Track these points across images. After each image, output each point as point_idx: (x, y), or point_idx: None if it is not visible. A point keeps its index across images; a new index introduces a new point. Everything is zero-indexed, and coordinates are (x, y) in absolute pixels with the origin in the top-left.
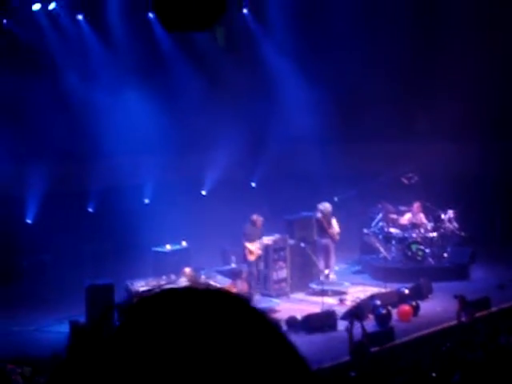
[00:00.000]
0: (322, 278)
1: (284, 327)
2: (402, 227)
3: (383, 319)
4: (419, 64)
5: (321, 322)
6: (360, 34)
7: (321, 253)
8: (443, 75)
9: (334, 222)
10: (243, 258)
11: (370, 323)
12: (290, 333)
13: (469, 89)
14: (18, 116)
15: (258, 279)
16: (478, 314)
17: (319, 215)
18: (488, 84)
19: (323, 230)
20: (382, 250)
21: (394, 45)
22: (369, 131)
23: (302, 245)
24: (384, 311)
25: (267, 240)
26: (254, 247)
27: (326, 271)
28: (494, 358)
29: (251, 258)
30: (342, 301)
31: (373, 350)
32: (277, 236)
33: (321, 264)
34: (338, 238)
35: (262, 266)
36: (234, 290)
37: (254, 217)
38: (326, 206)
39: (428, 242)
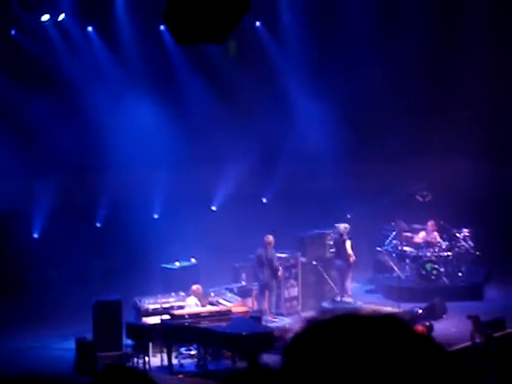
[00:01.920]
0: (337, 291)
1: None
2: (416, 246)
3: None
4: (436, 82)
5: None
6: (376, 50)
7: (336, 272)
8: (460, 94)
9: (348, 243)
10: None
11: None
12: None
13: (484, 108)
14: (25, 129)
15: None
16: (493, 335)
17: (337, 235)
18: (503, 104)
19: (339, 250)
20: (395, 268)
21: (410, 62)
22: (383, 148)
23: (314, 263)
24: None
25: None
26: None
27: (338, 298)
28: (510, 382)
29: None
30: None
31: None
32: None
33: (334, 283)
34: (352, 260)
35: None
36: (244, 308)
37: (267, 238)
38: (341, 227)
39: (443, 261)
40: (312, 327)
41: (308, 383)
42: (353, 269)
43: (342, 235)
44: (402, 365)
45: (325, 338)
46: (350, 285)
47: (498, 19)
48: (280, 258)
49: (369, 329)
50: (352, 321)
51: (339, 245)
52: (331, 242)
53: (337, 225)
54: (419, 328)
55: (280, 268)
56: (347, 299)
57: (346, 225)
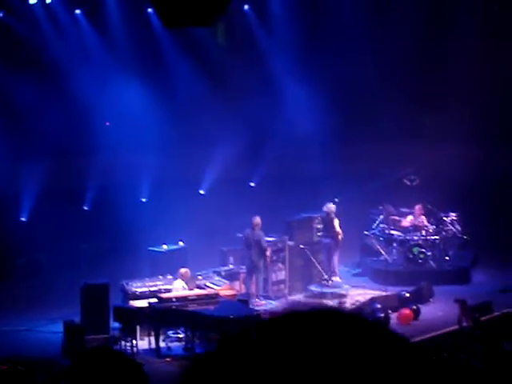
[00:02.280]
0: (325, 276)
1: None
2: (404, 229)
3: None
4: (426, 68)
5: None
6: (366, 36)
7: (323, 252)
8: (451, 79)
9: (336, 222)
10: (265, 262)
11: None
12: None
13: (474, 94)
14: (12, 112)
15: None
16: (480, 319)
17: (324, 214)
18: (494, 90)
19: (327, 228)
20: (382, 252)
21: (401, 47)
22: (372, 133)
23: (302, 246)
24: (382, 314)
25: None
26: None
27: (325, 276)
28: (495, 366)
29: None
30: (341, 304)
31: None
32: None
33: (321, 265)
34: (341, 237)
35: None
36: (232, 291)
37: (255, 220)
38: (329, 206)
39: (430, 244)
40: (286, 316)
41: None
42: (340, 248)
43: (329, 214)
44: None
45: (293, 329)
46: (336, 264)
47: (488, 5)
48: (268, 241)
49: (332, 325)
50: (320, 316)
51: (327, 223)
52: (319, 226)
53: (324, 205)
54: (406, 311)
55: (268, 248)
56: (335, 279)
57: (332, 204)
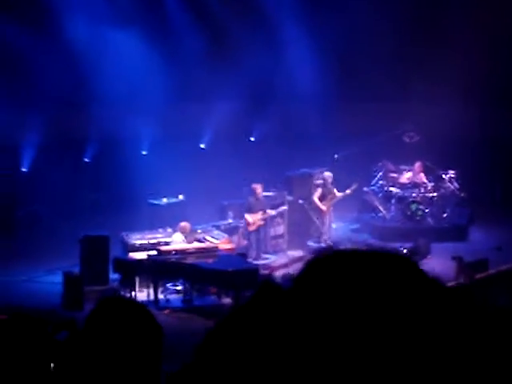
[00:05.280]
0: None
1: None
2: (402, 186)
3: None
4: (422, 26)
5: None
6: None
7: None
8: (445, 37)
9: (335, 190)
10: (245, 229)
11: None
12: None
13: (471, 53)
14: (15, 63)
15: (257, 248)
16: (476, 276)
17: (319, 181)
18: (490, 49)
19: (322, 198)
20: (381, 208)
21: (397, 4)
22: (370, 90)
23: (301, 201)
24: None
25: (269, 211)
26: (253, 219)
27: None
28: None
29: (251, 228)
30: None
31: None
32: (282, 208)
33: (320, 221)
34: (322, 209)
35: (261, 235)
36: (231, 245)
37: (253, 186)
38: (326, 175)
39: (428, 201)
40: (325, 258)
41: (313, 312)
42: (338, 207)
43: (326, 184)
44: (407, 302)
45: (337, 271)
46: (326, 229)
47: None
48: (267, 196)
49: (380, 265)
50: (365, 256)
51: (321, 192)
52: (318, 182)
53: (322, 173)
54: None
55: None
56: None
57: (330, 174)
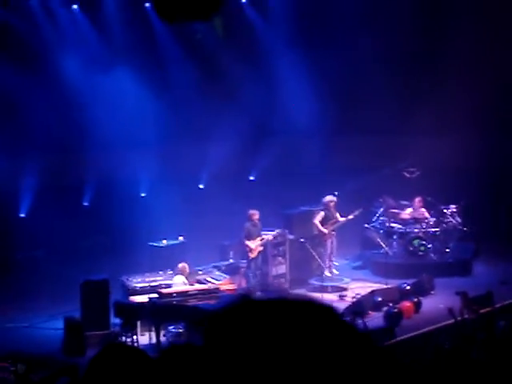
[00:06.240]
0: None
1: None
2: (404, 222)
3: (393, 318)
4: (422, 58)
5: None
6: (363, 26)
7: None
8: (447, 70)
9: (338, 215)
10: (246, 256)
11: (372, 320)
12: None
13: (473, 84)
14: (10, 108)
15: (256, 275)
16: (481, 311)
17: (322, 207)
18: (492, 80)
19: (324, 222)
20: (383, 245)
21: (397, 37)
22: (369, 124)
23: (302, 240)
24: (395, 310)
25: (267, 236)
26: (255, 245)
27: (326, 274)
28: (496, 357)
29: (252, 255)
30: (342, 297)
31: None
32: (277, 231)
33: (322, 260)
34: (323, 233)
35: (259, 261)
36: (232, 286)
37: (250, 212)
38: (328, 199)
39: (430, 237)
40: (239, 306)
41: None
42: (339, 245)
43: (328, 207)
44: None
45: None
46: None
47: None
48: (268, 235)
49: (295, 314)
50: (281, 305)
51: (325, 216)
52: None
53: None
54: (407, 304)
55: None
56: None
57: (332, 197)
